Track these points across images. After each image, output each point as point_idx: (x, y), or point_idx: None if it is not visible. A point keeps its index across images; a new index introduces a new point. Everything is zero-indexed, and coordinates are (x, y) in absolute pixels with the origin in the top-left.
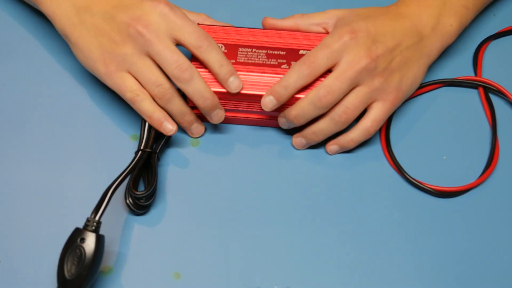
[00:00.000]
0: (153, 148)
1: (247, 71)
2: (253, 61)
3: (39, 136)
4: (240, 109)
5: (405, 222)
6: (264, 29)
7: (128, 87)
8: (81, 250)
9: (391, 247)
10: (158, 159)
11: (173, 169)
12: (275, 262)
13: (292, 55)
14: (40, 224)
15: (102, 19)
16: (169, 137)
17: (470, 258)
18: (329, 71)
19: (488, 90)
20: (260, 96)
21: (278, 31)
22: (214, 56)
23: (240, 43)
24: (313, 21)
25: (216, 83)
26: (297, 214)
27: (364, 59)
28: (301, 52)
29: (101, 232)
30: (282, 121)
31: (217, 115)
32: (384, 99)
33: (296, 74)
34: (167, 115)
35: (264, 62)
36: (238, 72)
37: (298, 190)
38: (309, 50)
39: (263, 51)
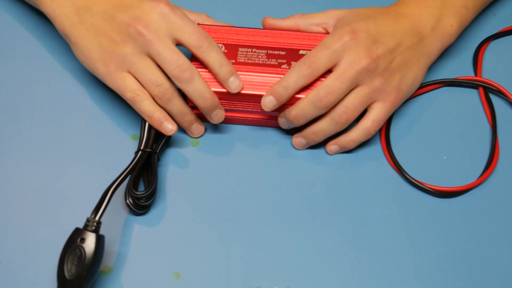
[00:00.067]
0: (153, 148)
1: (247, 71)
2: (253, 61)
3: (39, 136)
4: (240, 109)
5: (405, 222)
6: (264, 29)
7: (128, 87)
8: (81, 250)
9: (391, 247)
10: (158, 159)
11: (173, 169)
12: (275, 262)
13: (292, 55)
14: (40, 224)
15: (102, 19)
16: (169, 137)
17: (470, 258)
18: (329, 71)
19: (488, 90)
20: (260, 96)
21: (278, 31)
22: (214, 56)
23: (240, 43)
24: (313, 21)
25: (216, 83)
26: (297, 214)
27: (364, 59)
28: (301, 52)
29: (101, 232)
30: (282, 121)
31: (217, 115)
32: (384, 100)
33: (296, 74)
34: (167, 115)
35: (264, 62)
36: (238, 72)
37: (298, 190)
38: (309, 50)
39: (263, 51)
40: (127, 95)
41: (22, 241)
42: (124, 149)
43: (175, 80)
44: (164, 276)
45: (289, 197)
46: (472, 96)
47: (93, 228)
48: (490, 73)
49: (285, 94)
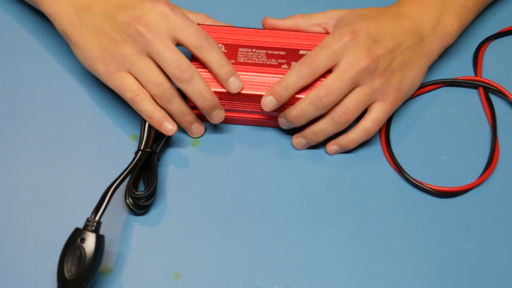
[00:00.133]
0: (153, 148)
1: (247, 71)
2: (253, 61)
3: (39, 136)
4: (240, 109)
5: (405, 222)
6: (264, 29)
7: (128, 87)
8: (81, 250)
9: (391, 247)
10: (158, 159)
11: (173, 169)
12: (275, 262)
13: (292, 55)
14: (40, 224)
15: (102, 19)
16: (169, 137)
17: (470, 258)
18: (329, 71)
19: (488, 90)
20: (260, 96)
21: (278, 31)
22: (214, 56)
23: (240, 43)
24: (313, 21)
25: (216, 83)
26: (297, 214)
27: (365, 59)
28: (301, 52)
29: (101, 232)
30: (282, 121)
31: (217, 115)
32: (384, 100)
33: (296, 75)
34: (167, 115)
35: (264, 62)
36: (238, 72)
37: (298, 190)
38: (309, 50)
39: (263, 51)
40: (127, 95)
41: (22, 241)
42: (124, 149)
43: (175, 80)
44: (164, 276)
45: (289, 197)
46: (472, 96)
47: (93, 228)
48: (490, 73)
49: (285, 94)
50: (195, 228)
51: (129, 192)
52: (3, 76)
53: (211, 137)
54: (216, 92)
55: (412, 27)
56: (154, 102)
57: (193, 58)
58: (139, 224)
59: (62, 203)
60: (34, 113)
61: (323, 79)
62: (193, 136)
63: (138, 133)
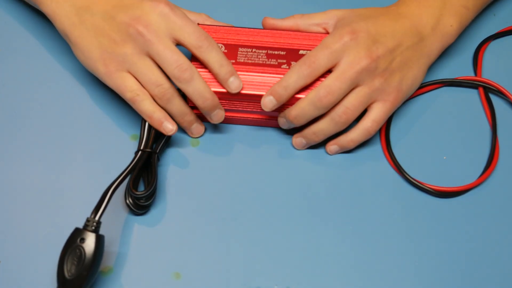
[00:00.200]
0: (153, 148)
1: (247, 71)
2: (253, 61)
3: (39, 136)
4: (240, 109)
5: (405, 222)
6: (264, 29)
7: (128, 87)
8: (81, 250)
9: (391, 247)
10: (158, 159)
11: (173, 169)
12: (275, 262)
13: (292, 55)
14: (40, 224)
15: (102, 19)
16: (169, 137)
17: (470, 258)
18: (329, 71)
19: (488, 90)
20: (260, 96)
21: (278, 31)
22: (214, 56)
23: (240, 43)
24: (313, 21)
25: (216, 83)
26: (297, 214)
27: (364, 59)
28: (301, 52)
29: (101, 232)
30: (282, 121)
31: (217, 115)
32: (384, 100)
33: (296, 75)
34: (167, 115)
35: (264, 62)
36: (238, 72)
37: (298, 190)
38: (309, 50)
39: (263, 51)
40: (127, 95)
41: (22, 241)
42: (124, 149)
43: (175, 80)
44: (164, 276)
45: (289, 197)
46: (472, 96)
47: (93, 228)
48: (490, 73)
49: (285, 94)
50: (195, 228)
51: (129, 192)
52: (3, 76)
53: (211, 137)
54: (216, 92)
55: (412, 27)
56: (154, 102)
57: (193, 58)
58: (139, 224)
59: (62, 203)
60: (34, 113)
61: (323, 79)
62: (193, 136)
63: (138, 133)
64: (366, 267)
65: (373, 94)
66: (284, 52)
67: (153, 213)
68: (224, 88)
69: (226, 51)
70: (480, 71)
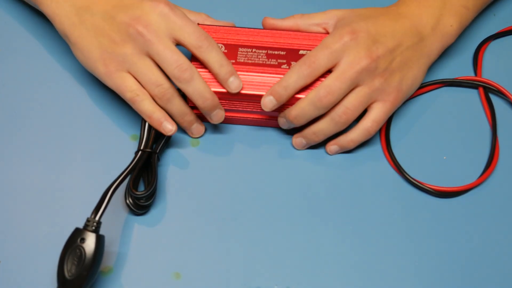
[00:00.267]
0: (153, 148)
1: (247, 71)
2: (253, 61)
3: (39, 136)
4: (240, 109)
5: (405, 222)
6: (264, 29)
7: (128, 87)
8: (81, 250)
9: (391, 247)
10: (158, 159)
11: (173, 169)
12: (275, 262)
13: (292, 55)
14: (40, 224)
15: (102, 19)
16: (169, 137)
17: (470, 258)
18: (329, 71)
19: (488, 90)
20: (260, 96)
21: (278, 31)
22: (214, 56)
23: (240, 43)
24: (313, 21)
25: (216, 83)
26: (297, 214)
27: (364, 59)
28: (301, 52)
29: (101, 232)
30: (282, 121)
31: (217, 115)
32: (384, 100)
33: (296, 75)
34: (166, 115)
35: (264, 62)
36: (238, 72)
37: (298, 190)
38: (309, 50)
39: (263, 51)
40: (127, 95)
41: (22, 241)
42: (124, 149)
43: (175, 80)
44: (164, 276)
45: (289, 197)
46: (472, 96)
47: (93, 228)
48: (490, 73)
49: (285, 94)
50: (195, 228)
51: (129, 192)
52: (3, 76)
53: (211, 137)
54: (216, 92)
55: (412, 27)
56: (154, 102)
57: (193, 58)
58: (139, 224)
59: (62, 203)
60: (34, 113)
61: (323, 79)
62: (193, 136)
63: (138, 133)
64: (366, 267)
65: (373, 94)
66: (284, 52)
67: (153, 213)
68: (224, 88)
69: (226, 51)
70: (480, 71)
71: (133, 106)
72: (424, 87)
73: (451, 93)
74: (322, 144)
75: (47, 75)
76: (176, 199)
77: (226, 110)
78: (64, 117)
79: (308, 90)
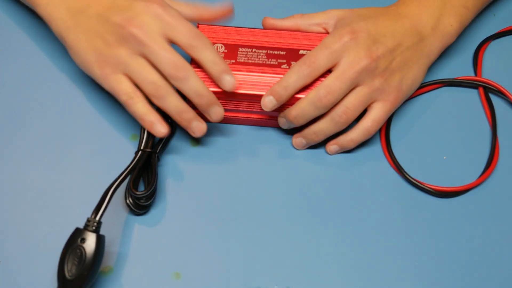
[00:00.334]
0: (153, 148)
1: (247, 71)
2: (253, 61)
3: (39, 136)
4: (240, 109)
5: (405, 222)
6: (264, 29)
7: (122, 90)
8: (82, 250)
9: (391, 247)
10: (158, 159)
11: (173, 169)
12: (275, 262)
13: (292, 55)
14: (40, 224)
15: (96, 22)
16: (170, 137)
17: (470, 258)
18: (329, 71)
19: (488, 90)
20: (260, 96)
21: (278, 31)
22: (208, 55)
23: (240, 43)
24: (313, 21)
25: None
26: (297, 214)
27: (364, 59)
28: (301, 52)
29: (102, 232)
30: (282, 121)
31: (216, 113)
32: (384, 99)
33: (296, 74)
34: (160, 118)
35: (264, 62)
36: (238, 72)
37: (298, 190)
38: (309, 50)
39: (263, 51)
40: (122, 98)
41: (22, 241)
42: (124, 149)
43: (170, 78)
44: (164, 276)
45: (289, 197)
46: (472, 96)
47: (94, 228)
48: (490, 73)
49: (285, 94)
50: (195, 228)
51: (129, 192)
52: (3, 76)
53: (211, 137)
54: (215, 92)
55: (412, 27)
56: (148, 105)
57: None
58: (139, 224)
59: (62, 203)
60: (34, 113)
61: (323, 79)
62: (195, 135)
63: (138, 133)
64: (366, 267)
65: (373, 94)
66: (284, 52)
67: (153, 213)
68: (218, 86)
69: (226, 51)
70: (480, 71)
71: (127, 109)
72: (424, 87)
73: (451, 93)
74: (322, 144)
75: (47, 75)
76: (176, 199)
77: (226, 110)
78: (64, 117)
79: (308, 90)
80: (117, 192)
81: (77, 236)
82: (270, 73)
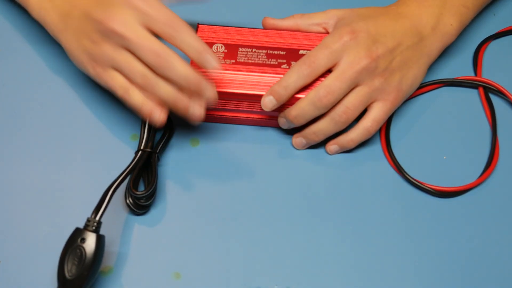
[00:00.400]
0: (153, 148)
1: (247, 71)
2: (253, 61)
3: (39, 136)
4: (240, 109)
5: (405, 222)
6: (264, 29)
7: (117, 84)
8: (82, 250)
9: (391, 247)
10: (158, 159)
11: (173, 169)
12: (275, 262)
13: (292, 55)
14: (40, 224)
15: (82, 21)
16: (169, 137)
17: (470, 258)
18: (329, 71)
19: (488, 90)
20: (260, 96)
21: (278, 31)
22: (187, 41)
23: (240, 43)
24: (313, 21)
25: (216, 84)
26: (297, 214)
27: (364, 59)
28: (301, 52)
29: (102, 232)
30: (282, 121)
31: (209, 94)
32: (384, 99)
33: (296, 74)
34: (155, 106)
35: (264, 62)
36: (238, 72)
37: (298, 190)
38: (309, 50)
39: (263, 51)
40: (119, 92)
41: (22, 241)
42: (124, 149)
43: (155, 68)
44: (164, 276)
45: (289, 197)
46: (472, 96)
47: (94, 228)
48: (490, 73)
49: (285, 94)
50: (195, 228)
51: (129, 192)
52: (3, 76)
53: (211, 137)
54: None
55: (412, 27)
56: (143, 95)
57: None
58: (139, 224)
59: (62, 203)
60: (34, 113)
61: (323, 79)
62: (195, 120)
63: (138, 133)
64: (366, 267)
65: (373, 93)
66: (284, 52)
67: (153, 213)
68: (203, 69)
69: (226, 51)
70: (480, 71)
71: (126, 103)
72: (424, 87)
73: (451, 93)
74: (322, 144)
75: (47, 75)
76: (176, 199)
77: (226, 110)
78: (64, 117)
79: (308, 90)
80: (117, 192)
81: (77, 236)
82: (270, 73)
